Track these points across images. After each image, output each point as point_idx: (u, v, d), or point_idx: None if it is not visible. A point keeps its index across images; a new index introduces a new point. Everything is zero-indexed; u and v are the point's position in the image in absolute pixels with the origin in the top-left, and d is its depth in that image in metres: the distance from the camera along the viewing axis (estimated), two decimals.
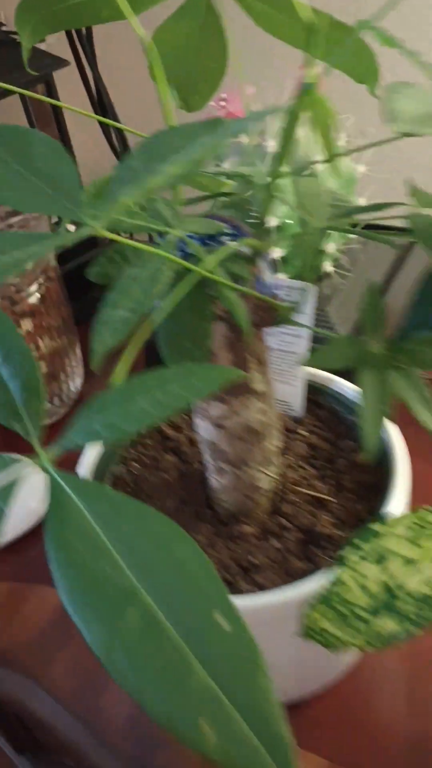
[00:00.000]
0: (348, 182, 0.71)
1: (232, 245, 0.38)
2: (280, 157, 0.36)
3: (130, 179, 0.27)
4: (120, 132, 0.99)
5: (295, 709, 0.54)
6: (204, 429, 0.47)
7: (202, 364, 0.33)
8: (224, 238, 0.41)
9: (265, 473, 0.49)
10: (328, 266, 0.72)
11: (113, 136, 0.98)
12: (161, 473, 0.55)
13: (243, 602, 0.41)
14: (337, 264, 0.72)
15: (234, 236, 0.41)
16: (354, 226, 0.75)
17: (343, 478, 0.53)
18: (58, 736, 0.59)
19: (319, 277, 0.73)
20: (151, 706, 0.23)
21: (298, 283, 0.49)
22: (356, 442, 0.55)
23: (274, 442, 0.49)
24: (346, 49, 0.51)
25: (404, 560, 0.35)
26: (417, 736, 0.52)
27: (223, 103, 0.68)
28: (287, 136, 0.35)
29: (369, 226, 0.77)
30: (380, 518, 0.38)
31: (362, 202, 0.73)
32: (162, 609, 0.25)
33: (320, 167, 0.66)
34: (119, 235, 0.34)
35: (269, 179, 0.38)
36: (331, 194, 0.45)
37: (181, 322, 0.36)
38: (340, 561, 0.37)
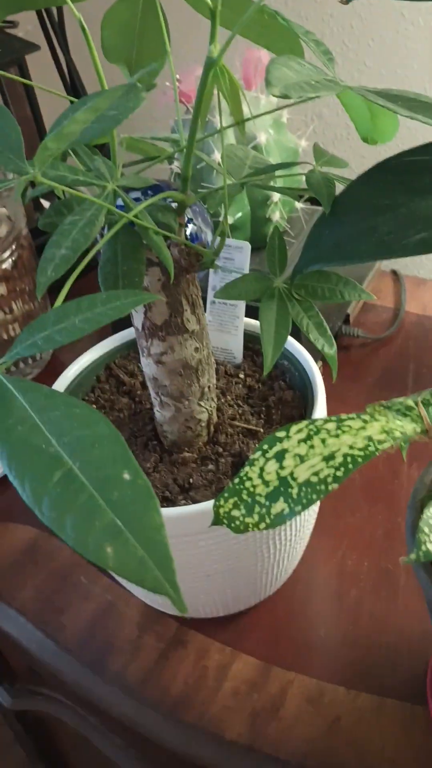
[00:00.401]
0: (293, 154, 0.78)
1: (157, 197, 0.44)
2: (194, 122, 0.42)
3: (55, 129, 0.34)
4: None
5: (233, 617, 0.62)
6: (147, 366, 0.54)
7: (127, 290, 0.40)
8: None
9: (203, 406, 0.56)
10: None
11: None
12: (116, 413, 0.62)
13: (177, 512, 0.48)
14: (282, 231, 0.79)
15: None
16: (300, 197, 0.82)
17: (273, 412, 0.60)
18: (28, 655, 0.66)
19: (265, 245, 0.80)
20: (69, 537, 0.30)
21: (235, 242, 0.56)
22: (286, 382, 0.62)
23: (209, 378, 0.56)
24: (269, 29, 0.58)
25: (297, 457, 0.42)
26: (341, 637, 0.59)
27: (178, 84, 0.75)
28: (199, 104, 0.42)
29: (311, 200, 0.84)
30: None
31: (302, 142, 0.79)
32: (81, 470, 0.32)
33: (264, 141, 0.73)
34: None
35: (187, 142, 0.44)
36: (254, 158, 0.52)
37: (116, 263, 0.43)
38: (250, 462, 0.44)
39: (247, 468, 0.44)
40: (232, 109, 0.43)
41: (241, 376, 0.64)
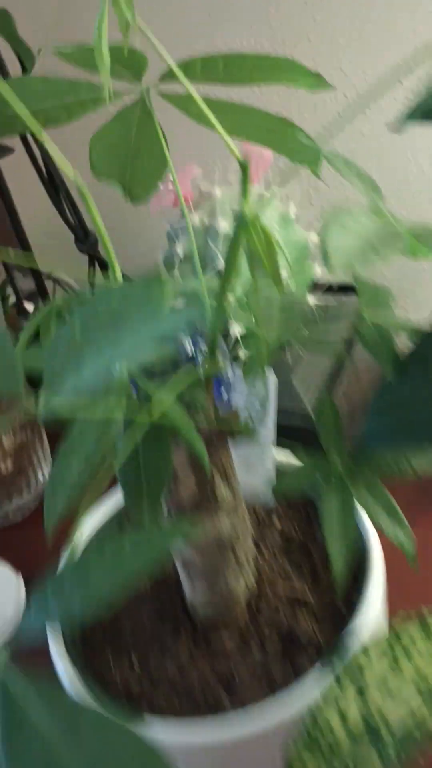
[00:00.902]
0: (301, 251, 0.70)
1: (182, 377, 0.36)
2: (224, 284, 0.35)
3: (67, 361, 0.26)
4: (74, 208, 0.98)
5: None
6: (176, 547, 0.46)
7: (154, 528, 0.31)
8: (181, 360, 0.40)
9: (240, 580, 0.48)
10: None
11: (67, 212, 0.97)
12: (133, 594, 0.54)
13: (226, 734, 0.40)
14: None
15: (190, 358, 0.40)
16: (315, 286, 0.75)
17: (320, 570, 0.52)
18: None
19: (281, 347, 0.72)
20: None
21: (255, 399, 0.48)
22: None
23: (246, 548, 0.47)
24: (279, 133, 0.51)
25: (385, 690, 0.34)
26: None
27: (171, 186, 0.68)
28: (230, 266, 0.34)
29: (329, 288, 0.77)
30: (356, 627, 0.37)
31: (317, 268, 0.72)
32: None
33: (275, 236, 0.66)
34: None
35: (216, 303, 0.37)
36: (286, 299, 0.45)
37: (138, 465, 0.35)
38: (323, 699, 0.35)
39: (322, 708, 0.35)
40: (268, 270, 0.35)
41: (276, 522, 0.56)
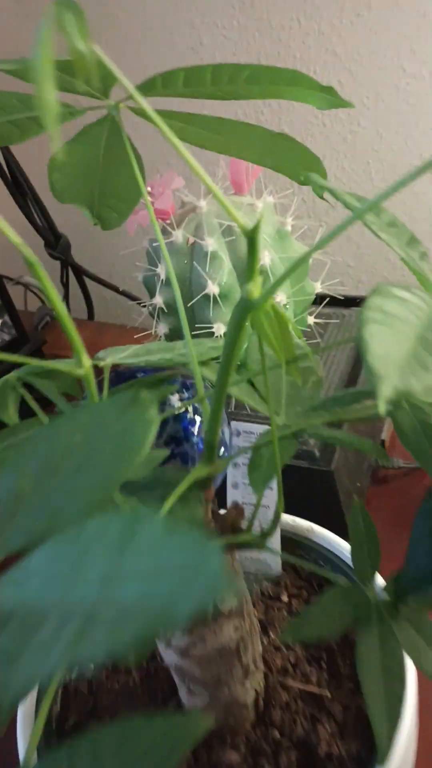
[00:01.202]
0: (302, 268, 0.62)
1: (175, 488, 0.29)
2: (220, 378, 0.27)
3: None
4: (43, 212, 0.89)
5: None
6: (167, 654, 0.38)
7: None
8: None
9: (247, 685, 0.41)
10: None
11: (36, 216, 0.88)
12: (121, 675, 0.46)
13: None
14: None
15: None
16: (316, 300, 0.67)
17: (338, 657, 0.44)
18: None
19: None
20: None
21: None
22: None
23: (254, 650, 0.40)
24: (275, 147, 0.43)
25: None
26: None
27: (150, 199, 0.59)
28: (228, 360, 0.26)
29: (330, 300, 0.69)
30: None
31: (318, 286, 0.64)
32: None
33: (269, 262, 0.57)
34: None
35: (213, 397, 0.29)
36: (296, 388, 0.37)
37: None
38: None
39: None
40: (279, 357, 0.27)
41: (284, 598, 0.48)
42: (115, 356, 0.35)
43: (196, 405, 0.44)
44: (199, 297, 0.57)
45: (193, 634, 0.36)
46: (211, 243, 0.57)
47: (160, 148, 0.93)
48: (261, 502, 0.48)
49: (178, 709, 0.43)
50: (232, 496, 0.48)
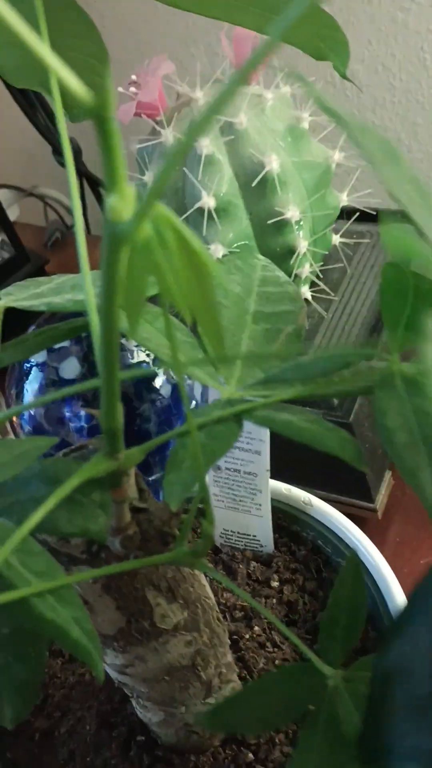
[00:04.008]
0: (323, 175, 0.51)
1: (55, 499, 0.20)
2: (105, 349, 0.17)
3: None
4: (49, 113, 0.79)
5: None
6: (107, 667, 0.31)
7: None
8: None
9: (213, 704, 0.33)
10: (305, 292, 0.53)
11: (40, 119, 0.78)
12: (78, 666, 0.39)
13: None
14: (316, 289, 0.54)
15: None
16: (342, 215, 0.56)
17: None
18: None
19: None
20: None
21: (250, 440, 0.31)
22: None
23: (220, 663, 0.32)
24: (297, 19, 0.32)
25: None
26: None
27: (133, 89, 0.48)
28: (110, 311, 0.17)
29: (360, 215, 0.58)
30: None
31: (344, 198, 0.53)
32: None
33: (277, 168, 0.47)
34: None
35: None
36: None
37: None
38: None
39: None
40: (179, 305, 0.18)
41: (274, 583, 0.40)
42: (16, 295, 0.26)
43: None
44: (191, 211, 0.47)
45: (128, 653, 0.28)
46: (206, 144, 0.46)
47: (147, 32, 0.81)
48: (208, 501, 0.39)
49: (133, 716, 0.36)
50: None
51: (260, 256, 0.29)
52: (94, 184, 0.90)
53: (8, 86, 0.79)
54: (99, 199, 0.91)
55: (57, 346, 0.32)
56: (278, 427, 0.21)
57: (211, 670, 0.32)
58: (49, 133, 0.82)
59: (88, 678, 0.39)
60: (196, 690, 0.32)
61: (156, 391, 0.33)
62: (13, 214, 0.95)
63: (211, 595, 0.32)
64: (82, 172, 0.88)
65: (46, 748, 0.37)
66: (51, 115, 0.81)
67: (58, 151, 0.85)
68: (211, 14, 0.32)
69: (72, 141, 0.84)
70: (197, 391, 0.35)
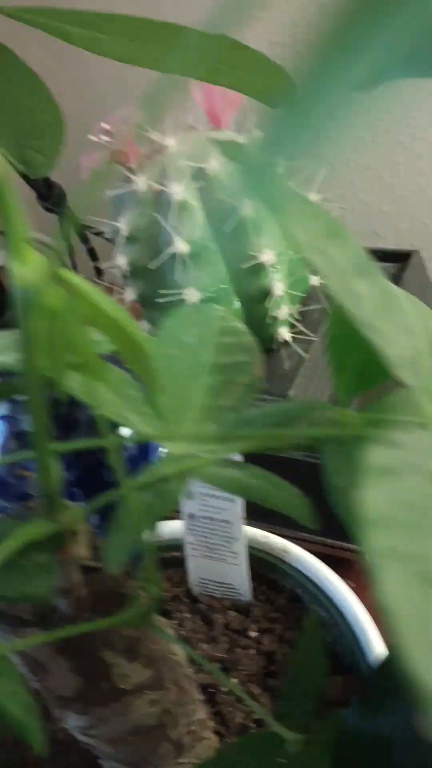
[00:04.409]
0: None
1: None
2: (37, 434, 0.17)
3: None
4: None
5: None
6: (71, 727, 0.30)
7: None
8: None
9: (185, 764, 0.32)
10: (284, 334, 0.53)
11: None
12: (47, 731, 0.38)
13: None
14: (296, 330, 0.53)
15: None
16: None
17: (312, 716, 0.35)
18: None
19: (272, 349, 0.54)
20: None
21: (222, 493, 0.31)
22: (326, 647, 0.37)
23: (191, 720, 0.31)
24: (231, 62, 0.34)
25: None
26: None
27: (106, 138, 0.49)
28: (34, 386, 0.17)
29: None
30: None
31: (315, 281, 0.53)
32: None
33: (250, 208, 0.47)
34: None
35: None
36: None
37: None
38: None
39: None
40: (139, 375, 0.17)
41: (252, 633, 0.39)
42: None
43: None
44: (165, 257, 0.47)
45: (88, 716, 0.28)
46: (178, 190, 0.46)
47: (118, 82, 0.82)
48: (218, 519, 0.38)
49: None
50: (187, 508, 0.39)
51: (218, 307, 0.29)
52: (79, 227, 0.91)
53: None
54: (84, 240, 0.92)
55: (20, 397, 0.32)
56: (224, 485, 0.21)
57: (181, 728, 0.31)
58: (33, 180, 0.82)
59: (61, 737, 0.38)
60: (166, 750, 0.31)
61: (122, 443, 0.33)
62: (2, 257, 0.96)
63: (179, 650, 0.31)
64: (67, 216, 0.88)
65: None
66: None
67: (42, 197, 0.86)
68: (132, 61, 0.32)
69: (56, 186, 0.85)
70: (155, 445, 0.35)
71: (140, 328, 0.18)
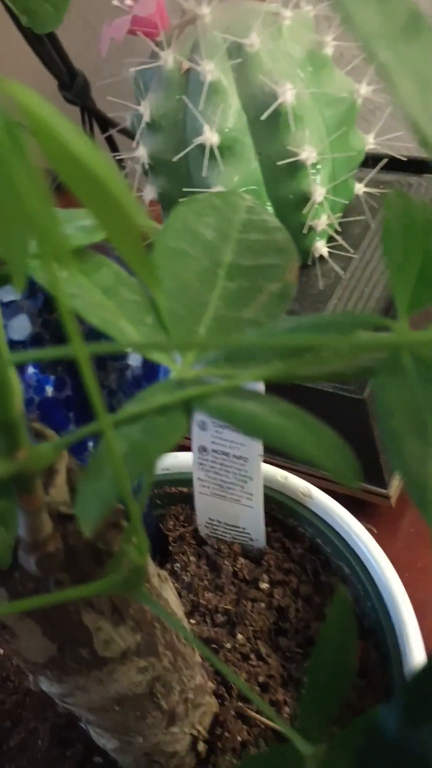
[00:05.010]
0: (347, 111, 0.44)
1: None
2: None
3: None
4: (55, 42, 0.72)
5: None
6: (46, 691, 0.26)
7: None
8: None
9: (179, 732, 0.28)
10: (321, 248, 0.47)
11: (47, 48, 0.71)
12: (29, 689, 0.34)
13: None
14: (333, 244, 0.47)
15: None
16: (368, 162, 0.49)
17: None
18: None
19: (305, 265, 0.48)
20: None
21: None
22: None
23: (186, 687, 0.27)
24: None
25: None
26: None
27: (129, 2, 0.42)
28: None
29: (389, 161, 0.51)
30: None
31: (370, 140, 0.46)
32: None
33: (290, 100, 0.40)
34: None
35: None
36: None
37: None
38: None
39: None
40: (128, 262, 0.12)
41: (264, 585, 0.35)
42: None
43: None
44: (192, 147, 0.41)
45: (65, 683, 0.23)
46: (210, 69, 0.39)
47: None
48: (232, 455, 0.33)
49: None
50: (198, 440, 0.34)
51: (246, 196, 0.23)
52: (102, 123, 0.83)
53: (11, 14, 0.72)
54: (108, 138, 0.84)
55: (5, 300, 0.27)
56: (238, 422, 0.15)
57: (174, 696, 0.26)
58: (55, 66, 0.75)
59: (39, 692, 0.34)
60: (155, 719, 0.26)
61: (124, 359, 0.28)
62: None
63: (178, 608, 0.26)
64: (90, 109, 0.81)
65: None
66: (57, 46, 0.74)
67: (64, 85, 0.78)
68: None
69: (79, 74, 0.77)
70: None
71: (132, 198, 0.13)
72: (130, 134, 0.67)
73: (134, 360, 0.28)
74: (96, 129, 0.84)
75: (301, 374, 0.17)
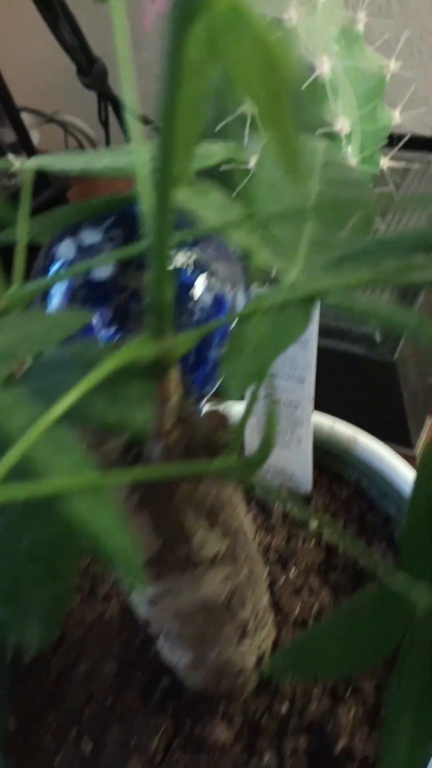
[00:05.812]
0: (376, 86, 0.46)
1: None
2: (160, 203, 0.14)
3: None
4: (74, 27, 0.74)
5: None
6: (137, 601, 0.28)
7: None
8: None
9: (246, 647, 0.30)
10: None
11: (65, 34, 0.73)
12: (99, 604, 0.36)
13: None
14: None
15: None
16: (391, 140, 0.51)
17: None
18: None
19: None
20: None
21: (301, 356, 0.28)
22: (393, 545, 0.35)
23: (256, 603, 0.29)
24: None
25: None
26: None
27: None
28: (166, 162, 0.13)
29: (412, 138, 0.53)
30: None
31: (396, 116, 0.49)
32: None
33: (328, 70, 0.42)
34: None
35: None
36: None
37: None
38: None
39: None
40: (269, 120, 0.14)
41: (313, 524, 0.37)
42: (47, 160, 0.22)
43: (200, 260, 0.31)
44: (232, 117, 0.43)
45: (161, 583, 0.25)
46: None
47: None
48: (275, 401, 0.35)
49: (156, 659, 0.33)
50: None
51: (321, 141, 0.25)
52: (119, 109, 0.85)
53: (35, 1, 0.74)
54: (122, 125, 0.87)
55: (87, 243, 0.29)
56: (359, 311, 0.17)
57: (247, 612, 0.29)
58: (75, 51, 0.77)
59: (108, 617, 0.36)
60: (228, 633, 0.29)
61: (194, 301, 0.30)
62: (33, 139, 0.91)
63: (250, 526, 0.28)
64: (108, 96, 0.83)
65: (62, 688, 0.34)
66: (77, 30, 0.75)
67: (82, 71, 0.80)
68: None
69: (98, 62, 0.79)
70: (240, 302, 0.32)
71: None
72: (147, 121, 0.69)
73: (204, 303, 0.30)
74: (111, 114, 0.86)
75: (393, 279, 0.20)
